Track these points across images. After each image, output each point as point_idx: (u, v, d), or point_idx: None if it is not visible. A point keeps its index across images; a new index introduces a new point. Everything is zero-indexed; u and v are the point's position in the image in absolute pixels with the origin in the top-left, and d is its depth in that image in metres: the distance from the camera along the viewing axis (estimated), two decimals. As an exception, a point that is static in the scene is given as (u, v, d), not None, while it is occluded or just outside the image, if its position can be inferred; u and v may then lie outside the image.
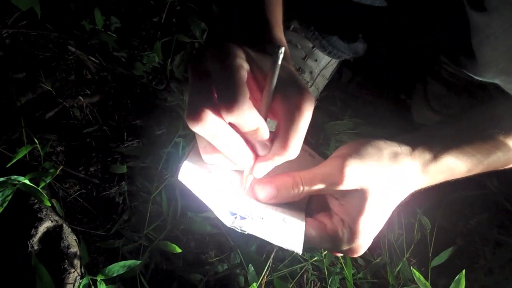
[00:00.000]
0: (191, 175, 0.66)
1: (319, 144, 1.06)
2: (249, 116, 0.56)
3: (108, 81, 1.28)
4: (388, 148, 0.71)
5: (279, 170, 0.71)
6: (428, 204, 1.17)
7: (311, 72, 1.27)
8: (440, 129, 0.79)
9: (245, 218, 0.66)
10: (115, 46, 1.30)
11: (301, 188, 0.70)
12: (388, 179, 0.69)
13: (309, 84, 1.27)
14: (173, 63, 1.30)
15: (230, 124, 0.59)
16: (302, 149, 0.76)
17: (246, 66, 0.59)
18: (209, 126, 0.56)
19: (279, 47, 0.55)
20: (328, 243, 0.70)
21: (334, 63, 1.29)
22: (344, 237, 0.68)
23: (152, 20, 1.40)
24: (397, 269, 1.10)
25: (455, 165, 0.74)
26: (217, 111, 0.55)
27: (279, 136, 0.60)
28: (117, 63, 1.30)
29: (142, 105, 1.26)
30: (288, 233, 0.67)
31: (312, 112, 0.59)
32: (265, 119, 0.61)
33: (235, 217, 0.65)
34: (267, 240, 0.65)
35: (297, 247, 0.66)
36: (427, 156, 0.72)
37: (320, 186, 0.69)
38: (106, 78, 1.28)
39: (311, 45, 1.24)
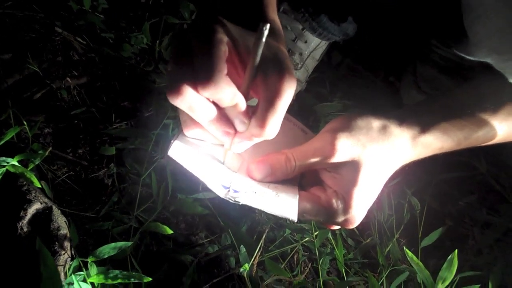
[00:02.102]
0: (182, 152, 0.66)
1: (309, 126, 1.06)
2: (225, 91, 0.57)
3: (96, 63, 1.27)
4: (377, 121, 0.72)
5: (272, 148, 0.73)
6: (418, 185, 1.18)
7: (300, 54, 1.27)
8: (428, 104, 0.80)
9: (238, 191, 0.66)
10: (102, 27, 1.29)
11: (294, 164, 0.71)
12: (378, 151, 0.70)
13: (299, 65, 1.27)
14: (161, 45, 1.29)
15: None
16: (294, 125, 0.79)
17: (226, 41, 0.59)
18: (188, 100, 0.57)
19: (263, 23, 0.55)
20: (323, 215, 0.71)
21: (324, 45, 1.29)
22: (338, 208, 0.70)
23: (140, 1, 1.38)
24: (387, 249, 1.12)
25: (443, 139, 0.75)
26: (195, 86, 0.56)
27: (257, 115, 0.61)
28: (105, 44, 1.29)
29: (130, 87, 1.25)
30: (282, 203, 0.68)
31: (292, 94, 0.60)
32: (246, 97, 0.61)
33: (228, 190, 0.66)
34: (262, 209, 0.66)
35: (292, 214, 0.67)
36: (416, 128, 0.74)
37: (312, 160, 0.70)
38: (93, 59, 1.27)
39: (301, 27, 1.24)
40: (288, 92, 0.59)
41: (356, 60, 1.41)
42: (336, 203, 0.70)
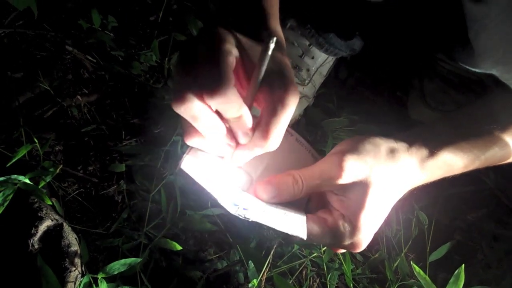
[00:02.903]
0: (194, 166, 0.67)
1: (317, 141, 1.06)
2: (231, 102, 0.57)
3: (106, 80, 1.28)
4: (385, 144, 0.72)
5: (281, 169, 0.74)
6: (426, 200, 1.18)
7: (308, 70, 1.27)
8: (436, 126, 0.80)
9: (247, 209, 0.66)
10: (112, 45, 1.30)
11: (301, 185, 0.70)
12: (386, 174, 0.70)
13: (306, 81, 1.27)
14: (170, 62, 1.30)
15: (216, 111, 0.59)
16: (306, 149, 0.79)
17: (235, 52, 0.59)
18: (192, 109, 0.56)
19: (270, 36, 0.55)
20: (329, 238, 0.70)
21: (331, 60, 1.30)
22: (345, 231, 0.69)
23: (149, 19, 1.40)
24: (395, 264, 1.11)
25: (452, 161, 0.74)
26: (200, 95, 0.56)
27: (260, 127, 0.61)
28: (115, 62, 1.30)
29: (139, 104, 1.26)
30: (291, 221, 0.68)
31: (295, 107, 0.60)
32: (250, 108, 0.61)
33: (238, 207, 0.66)
34: (271, 226, 0.66)
35: (302, 232, 0.67)
36: (424, 152, 0.73)
37: (319, 182, 0.70)
38: (103, 77, 1.29)
39: (307, 43, 1.25)
40: (292, 104, 0.60)
41: (363, 75, 1.41)
42: (343, 226, 0.70)
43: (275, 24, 0.74)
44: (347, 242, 0.71)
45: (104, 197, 1.13)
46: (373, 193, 0.69)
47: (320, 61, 1.28)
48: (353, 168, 0.68)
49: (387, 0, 1.08)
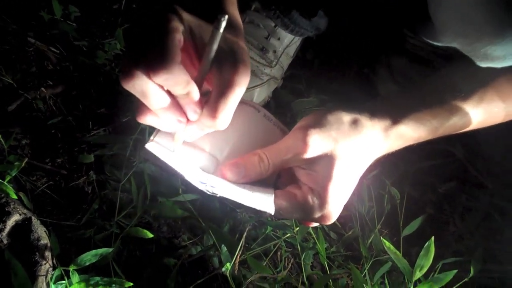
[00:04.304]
0: (160, 148, 0.69)
1: (287, 122, 1.07)
2: (177, 79, 0.58)
3: (71, 71, 1.26)
4: (348, 116, 0.73)
5: (249, 148, 0.75)
6: (397, 175, 1.19)
7: (274, 51, 1.27)
8: (399, 96, 0.82)
9: (214, 187, 0.68)
10: (75, 35, 1.28)
11: (268, 163, 0.72)
12: (351, 145, 0.72)
13: (274, 63, 1.27)
14: None
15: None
16: (274, 124, 0.80)
17: (182, 30, 0.60)
18: (140, 85, 0.57)
19: (221, 14, 0.56)
20: (299, 212, 0.72)
21: (297, 41, 1.30)
22: (314, 204, 0.71)
23: (112, 7, 1.38)
24: (369, 241, 1.12)
25: (414, 130, 0.76)
26: (147, 71, 0.56)
27: (208, 106, 0.62)
28: (79, 52, 1.28)
29: (106, 93, 1.25)
30: (259, 197, 0.70)
31: (245, 86, 0.62)
32: (200, 87, 0.62)
33: (205, 185, 0.68)
34: (239, 202, 0.68)
35: (270, 208, 0.69)
36: (387, 121, 0.74)
37: (285, 158, 0.71)
38: (68, 68, 1.27)
39: (273, 24, 1.25)
40: (241, 83, 0.61)
41: (330, 54, 1.41)
42: (312, 199, 0.71)
43: (232, 8, 0.75)
44: (316, 215, 0.72)
45: (74, 189, 1.12)
46: (339, 164, 0.70)
47: (287, 42, 1.28)
48: (317, 142, 0.70)
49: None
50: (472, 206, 1.19)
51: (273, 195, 0.72)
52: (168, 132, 0.69)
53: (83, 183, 1.13)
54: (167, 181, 1.09)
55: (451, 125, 0.78)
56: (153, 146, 0.68)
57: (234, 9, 0.75)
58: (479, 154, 1.22)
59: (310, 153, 0.70)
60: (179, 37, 0.59)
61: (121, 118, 1.22)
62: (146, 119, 0.65)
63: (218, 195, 0.68)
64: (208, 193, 0.68)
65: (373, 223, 1.15)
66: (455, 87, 0.79)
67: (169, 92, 0.61)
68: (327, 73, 1.39)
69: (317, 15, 1.23)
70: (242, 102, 0.76)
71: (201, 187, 0.68)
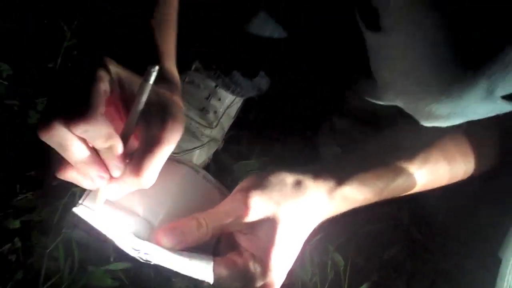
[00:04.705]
0: (88, 212, 0.64)
1: (227, 185, 1.02)
2: (98, 130, 0.54)
3: None
4: (291, 177, 0.71)
5: (186, 212, 0.70)
6: (341, 240, 1.15)
7: (215, 112, 1.24)
8: (343, 158, 0.82)
9: (147, 254, 0.63)
10: (6, 94, 1.24)
11: (206, 228, 0.67)
12: (294, 207, 0.69)
13: (214, 123, 1.24)
14: None
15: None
16: (213, 186, 0.76)
17: (109, 80, 0.57)
18: (57, 136, 0.53)
19: (151, 65, 0.54)
20: (239, 281, 0.67)
21: (238, 101, 1.28)
22: (256, 272, 0.67)
23: (47, 66, 1.33)
24: None
25: (359, 191, 0.74)
26: (66, 122, 0.52)
27: (132, 162, 0.59)
28: (9, 112, 1.23)
29: (36, 155, 1.17)
30: (197, 265, 0.65)
31: (174, 144, 0.60)
32: (125, 142, 0.59)
33: (139, 252, 0.63)
34: (176, 270, 0.63)
35: (208, 277, 0.64)
36: (331, 182, 0.72)
37: (225, 222, 0.67)
38: None
39: (214, 84, 1.22)
40: (169, 140, 0.58)
41: (273, 115, 1.39)
42: (253, 267, 0.67)
43: (169, 62, 0.73)
44: (258, 283, 0.68)
45: None
46: (282, 228, 0.67)
47: (228, 103, 1.25)
48: (259, 205, 0.66)
49: (290, 37, 1.07)
50: (417, 271, 1.15)
51: (212, 262, 0.67)
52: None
53: (7, 250, 1.06)
54: (98, 248, 1.03)
55: (396, 186, 0.76)
56: (81, 209, 0.63)
57: (170, 63, 0.73)
58: (423, 217, 1.19)
59: (251, 217, 0.66)
60: (104, 87, 0.56)
61: (51, 181, 1.15)
62: (65, 174, 0.60)
63: (152, 263, 0.63)
64: (142, 260, 0.63)
65: None
66: (399, 148, 0.79)
67: (91, 146, 0.57)
68: (269, 134, 1.35)
69: (258, 76, 1.22)
70: (180, 162, 0.74)
71: (134, 254, 0.63)
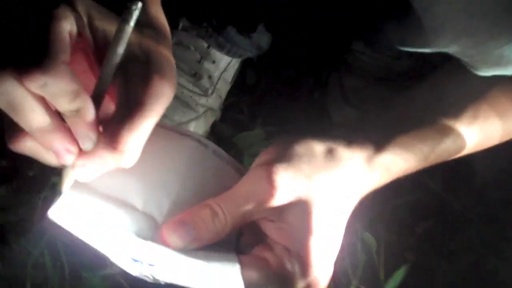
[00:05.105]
0: (67, 215, 0.49)
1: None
2: (61, 85, 0.43)
3: None
4: (320, 145, 0.58)
5: (197, 198, 0.56)
6: (369, 218, 1.06)
7: (210, 77, 1.12)
8: (378, 117, 0.68)
9: (153, 265, 0.50)
10: None
11: (224, 218, 0.54)
12: (329, 181, 0.56)
13: (210, 91, 1.12)
14: None
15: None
16: (227, 163, 0.62)
17: (73, 19, 0.48)
18: (6, 93, 0.43)
19: (132, 2, 0.45)
20: (277, 283, 0.54)
21: (235, 63, 1.15)
22: (294, 270, 0.53)
23: None
24: None
25: (402, 158, 0.62)
26: (19, 75, 0.43)
27: (108, 131, 0.48)
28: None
29: (5, 143, 1.03)
30: (219, 273, 0.51)
31: (163, 105, 0.49)
32: (98, 104, 0.48)
33: (141, 264, 0.49)
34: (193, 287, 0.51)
35: (236, 285, 0.51)
36: (369, 148, 0.60)
37: (246, 209, 0.53)
38: None
39: (206, 45, 1.10)
40: (155, 103, 0.47)
41: (275, 77, 1.27)
42: (290, 264, 0.53)
43: (156, 7, 0.61)
44: (299, 285, 0.54)
45: None
46: (319, 210, 0.54)
47: (223, 65, 1.13)
48: (287, 182, 0.53)
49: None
50: (458, 246, 1.05)
51: (238, 264, 0.53)
52: (81, 186, 0.51)
53: None
54: (92, 249, 0.90)
55: (443, 149, 0.65)
56: (58, 212, 0.49)
57: (157, 7, 0.61)
58: (459, 184, 1.09)
59: (278, 199, 0.52)
60: (67, 27, 0.46)
61: (26, 171, 1.03)
62: (21, 146, 0.48)
63: (162, 282, 0.50)
64: (148, 279, 0.50)
65: (347, 279, 1.00)
66: (442, 104, 0.67)
67: (53, 109, 0.46)
68: (272, 99, 1.24)
69: (256, 31, 1.09)
70: (183, 134, 0.60)
71: (135, 270, 0.49)
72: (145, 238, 0.52)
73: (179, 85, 1.08)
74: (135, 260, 0.49)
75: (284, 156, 0.55)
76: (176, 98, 1.06)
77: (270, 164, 0.53)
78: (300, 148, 0.56)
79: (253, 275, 0.53)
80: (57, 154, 0.47)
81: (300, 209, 0.53)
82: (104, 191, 0.54)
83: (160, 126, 0.58)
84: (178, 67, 1.05)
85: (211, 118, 1.15)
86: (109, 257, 0.49)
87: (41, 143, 0.47)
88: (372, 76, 1.15)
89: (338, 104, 1.20)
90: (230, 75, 1.16)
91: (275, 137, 1.12)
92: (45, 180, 0.97)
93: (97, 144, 0.47)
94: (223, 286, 0.51)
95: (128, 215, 0.54)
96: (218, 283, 0.51)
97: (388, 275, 0.98)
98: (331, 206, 0.55)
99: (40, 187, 0.97)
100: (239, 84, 1.22)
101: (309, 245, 0.52)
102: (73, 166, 0.49)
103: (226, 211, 0.53)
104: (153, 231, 0.54)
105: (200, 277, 0.50)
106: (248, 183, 0.55)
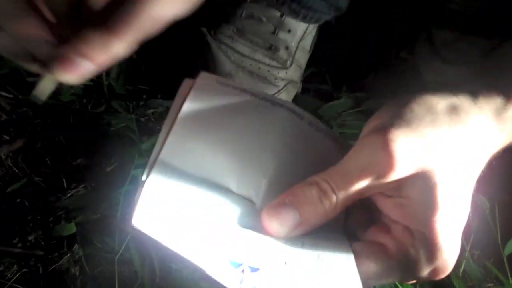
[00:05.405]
0: (153, 217, 0.42)
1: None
2: None
3: (30, 118, 1.04)
4: (442, 103, 0.49)
5: (298, 175, 0.47)
6: (479, 178, 0.94)
7: (287, 48, 1.05)
8: (497, 65, 0.58)
9: (257, 269, 0.41)
10: (28, 71, 1.03)
11: (334, 197, 0.45)
12: (456, 147, 0.47)
13: (288, 62, 1.05)
14: (109, 76, 1.07)
15: None
16: (325, 135, 0.54)
17: None
18: None
19: None
20: (399, 272, 0.47)
21: (312, 29, 1.08)
22: (420, 255, 0.46)
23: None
24: (461, 269, 0.89)
25: None
26: None
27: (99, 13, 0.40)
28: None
29: (81, 138, 1.03)
30: (332, 273, 0.44)
31: None
32: None
33: (242, 270, 0.41)
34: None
35: (354, 284, 0.43)
36: (498, 100, 0.51)
37: (361, 184, 0.45)
38: (26, 114, 1.04)
39: (278, 14, 1.03)
40: None
41: (357, 40, 1.19)
42: (414, 250, 0.46)
43: None
44: (425, 271, 0.47)
45: (57, 273, 0.90)
46: (445, 181, 0.45)
47: (300, 34, 1.05)
48: (407, 151, 0.44)
49: None
50: None
51: (352, 254, 0.45)
52: (165, 170, 0.45)
53: (67, 263, 0.91)
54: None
55: None
56: (142, 219, 0.41)
57: None
58: None
59: (399, 171, 0.44)
60: None
61: (104, 167, 1.00)
62: None
63: None
64: None
65: (460, 245, 0.89)
66: None
67: None
68: (356, 63, 1.16)
69: None
70: (275, 103, 0.53)
71: (236, 283, 0.40)
72: (244, 226, 0.46)
73: (255, 60, 1.02)
74: (236, 265, 0.41)
75: (401, 118, 0.46)
76: (253, 74, 1.00)
77: (386, 130, 0.45)
78: (420, 107, 0.48)
79: (371, 266, 0.46)
80: (34, 46, 0.41)
81: (423, 181, 0.45)
82: (192, 173, 0.47)
83: (250, 93, 0.51)
84: (251, 41, 1.02)
85: (292, 91, 1.08)
86: (204, 269, 0.40)
87: (14, 34, 0.40)
88: (465, 24, 1.05)
89: (429, 61, 1.11)
90: (308, 43, 1.09)
91: (365, 103, 1.05)
92: (124, 174, 0.93)
93: (86, 28, 0.39)
94: (336, 283, 0.43)
95: (222, 198, 0.47)
96: (332, 281, 0.43)
97: (506, 238, 0.89)
98: (458, 175, 0.47)
99: (119, 182, 0.93)
100: (319, 51, 1.15)
101: (436, 224, 0.45)
102: (53, 61, 0.40)
103: (336, 188, 0.45)
104: (251, 217, 0.47)
105: (309, 278, 0.43)
106: (360, 154, 0.46)
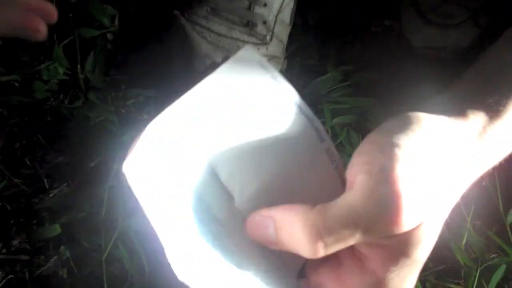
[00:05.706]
0: (142, 173, 0.40)
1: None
2: None
3: (5, 118, 1.02)
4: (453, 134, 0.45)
5: (294, 190, 0.46)
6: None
7: (264, 22, 1.01)
8: (470, 75, 0.54)
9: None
10: (1, 70, 1.03)
11: (321, 245, 0.38)
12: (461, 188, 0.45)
13: (268, 38, 1.02)
14: (84, 69, 1.04)
15: None
16: (336, 169, 0.49)
17: None
18: None
19: None
20: None
21: (290, 1, 1.04)
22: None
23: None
24: (463, 242, 0.88)
25: None
26: None
27: None
28: (11, 91, 1.03)
29: (59, 136, 1.00)
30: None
31: None
32: None
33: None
34: None
35: None
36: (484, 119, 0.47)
37: (356, 237, 0.39)
38: (1, 115, 1.02)
39: None
40: None
41: (339, 10, 1.14)
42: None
43: None
44: None
45: (44, 276, 0.89)
46: (437, 221, 0.42)
47: (277, 7, 1.02)
48: (417, 205, 0.38)
49: None
50: None
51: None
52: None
53: (54, 265, 0.89)
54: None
55: None
56: (133, 168, 0.39)
57: None
58: None
59: (405, 227, 0.38)
60: None
61: (86, 163, 0.97)
62: None
63: None
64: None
65: (461, 216, 0.89)
66: None
67: None
68: (341, 35, 1.12)
69: None
70: (303, 111, 0.46)
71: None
72: (217, 218, 0.45)
73: (233, 39, 0.99)
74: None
75: (406, 156, 0.40)
76: (232, 53, 0.96)
77: (392, 174, 0.38)
78: (426, 140, 0.42)
79: None
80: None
81: (424, 231, 0.40)
82: (193, 141, 0.44)
83: (287, 89, 0.46)
84: (227, 19, 0.99)
85: (276, 68, 1.02)
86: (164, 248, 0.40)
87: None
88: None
89: (415, 26, 1.08)
90: (287, 15, 1.05)
91: (354, 76, 1.03)
92: (107, 169, 0.92)
93: None
94: None
95: (208, 183, 0.45)
96: None
97: (508, 206, 0.88)
98: (442, 212, 0.43)
99: (103, 178, 0.91)
100: (300, 25, 1.12)
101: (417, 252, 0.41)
102: None
103: (325, 233, 0.38)
104: (225, 212, 0.46)
105: None
106: (362, 199, 0.38)
